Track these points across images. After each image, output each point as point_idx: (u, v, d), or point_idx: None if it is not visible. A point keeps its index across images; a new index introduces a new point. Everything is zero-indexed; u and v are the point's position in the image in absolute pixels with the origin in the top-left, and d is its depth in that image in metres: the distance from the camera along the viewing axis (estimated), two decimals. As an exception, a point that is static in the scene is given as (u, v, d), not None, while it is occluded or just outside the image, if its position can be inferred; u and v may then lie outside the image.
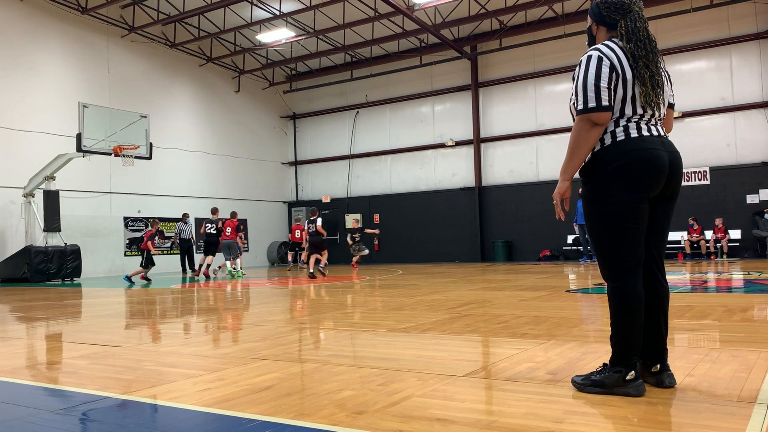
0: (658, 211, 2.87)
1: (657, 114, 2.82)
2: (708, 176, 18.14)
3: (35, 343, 5.33)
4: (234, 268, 15.83)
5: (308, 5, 19.06)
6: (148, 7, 19.54)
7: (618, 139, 2.75)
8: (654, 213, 2.86)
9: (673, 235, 18.03)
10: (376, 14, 19.19)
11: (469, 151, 22.27)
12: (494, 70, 21.90)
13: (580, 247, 18.75)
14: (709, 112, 18.37)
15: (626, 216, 2.73)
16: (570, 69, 20.18)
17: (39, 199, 16.21)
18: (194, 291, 11.48)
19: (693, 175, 18.22)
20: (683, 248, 17.87)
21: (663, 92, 2.82)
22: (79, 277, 16.33)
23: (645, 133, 2.76)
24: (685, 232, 17.91)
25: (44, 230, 16.04)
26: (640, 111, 2.77)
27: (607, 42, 2.83)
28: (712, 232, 17.68)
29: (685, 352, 3.78)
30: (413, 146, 23.44)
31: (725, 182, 18.00)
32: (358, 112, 24.87)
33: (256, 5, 19.37)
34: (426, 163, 23.24)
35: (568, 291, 8.55)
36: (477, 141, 21.92)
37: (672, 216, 2.95)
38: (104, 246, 18.91)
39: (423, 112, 23.39)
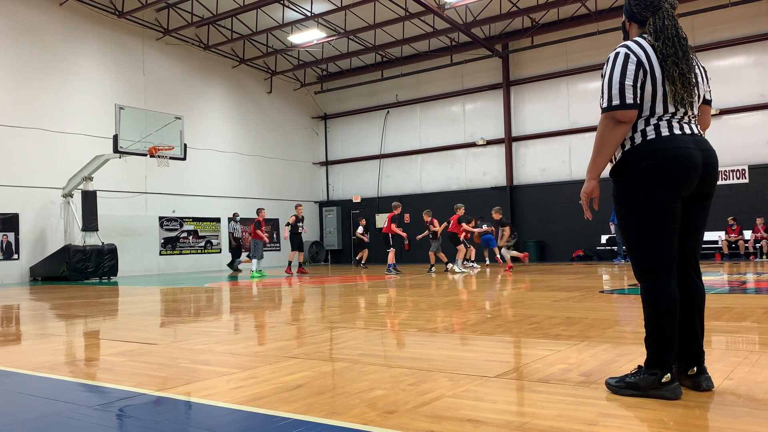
0: (693, 210, 2.80)
1: (689, 112, 2.76)
2: (747, 174, 17.70)
3: (74, 340, 5.46)
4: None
5: (339, 6, 19.14)
6: (182, 9, 19.86)
7: (648, 137, 2.70)
8: (688, 212, 2.79)
9: (710, 235, 17.63)
10: (407, 14, 19.18)
11: (500, 150, 22.11)
12: (526, 68, 21.70)
13: (615, 247, 18.47)
14: (748, 109, 17.92)
15: (658, 215, 2.68)
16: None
17: (77, 199, 16.60)
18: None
19: (731, 173, 17.80)
20: (721, 248, 17.47)
21: (696, 90, 2.75)
22: (115, 275, 16.67)
23: (677, 131, 2.71)
24: (723, 232, 17.50)
25: (82, 230, 16.41)
26: (671, 109, 2.71)
27: (636, 39, 2.79)
28: (751, 231, 17.24)
29: (724, 355, 3.70)
30: (444, 146, 23.36)
31: (765, 181, 17.53)
32: (388, 111, 24.88)
33: (288, 7, 19.52)
34: (457, 162, 23.13)
35: (602, 292, 8.43)
36: (508, 140, 21.75)
37: (707, 215, 2.88)
38: (140, 245, 19.27)
39: (454, 111, 23.30)
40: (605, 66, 2.79)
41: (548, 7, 18.87)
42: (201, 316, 7.29)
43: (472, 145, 22.72)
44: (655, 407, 2.57)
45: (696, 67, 2.79)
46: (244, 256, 19.13)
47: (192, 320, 6.70)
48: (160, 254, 20.04)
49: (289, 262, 16.49)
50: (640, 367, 2.80)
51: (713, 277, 10.74)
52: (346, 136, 26.14)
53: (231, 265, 19.29)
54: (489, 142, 22.32)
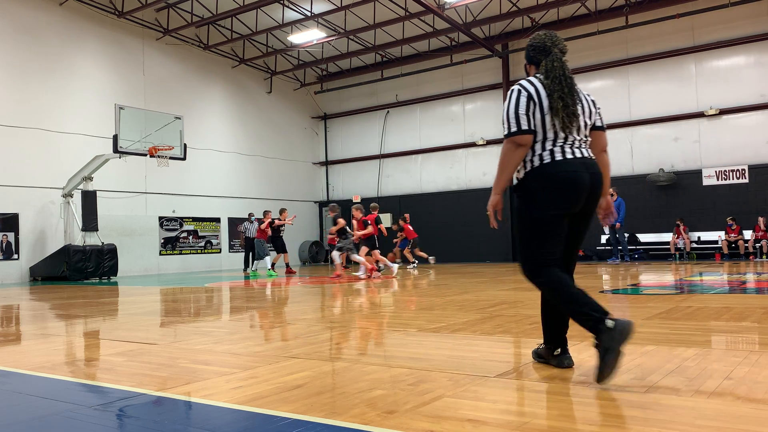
0: (575, 224, 3.24)
1: (578, 137, 3.19)
2: (746, 175, 17.70)
3: (73, 340, 5.46)
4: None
5: (339, 6, 19.15)
6: (182, 9, 19.86)
7: (544, 161, 3.15)
8: (570, 226, 3.22)
9: (710, 235, 17.65)
10: (407, 14, 19.18)
11: (500, 150, 22.07)
12: (526, 69, 21.69)
13: (610, 247, 18.48)
14: (748, 109, 17.90)
15: (547, 227, 3.14)
16: (603, 66, 19.98)
17: (77, 199, 16.61)
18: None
19: (731, 173, 17.78)
20: (720, 248, 17.46)
21: (579, 119, 3.18)
22: (115, 275, 16.67)
23: (569, 156, 3.14)
24: (723, 232, 17.50)
25: (82, 230, 16.42)
26: (561, 135, 3.16)
27: (530, 78, 3.28)
28: (752, 231, 17.23)
29: (724, 355, 3.70)
30: (444, 145, 23.37)
31: (765, 181, 17.52)
32: (388, 111, 24.89)
33: (288, 6, 19.53)
34: (456, 162, 23.14)
35: (602, 291, 8.43)
36: (508, 140, 21.72)
37: (586, 231, 3.32)
38: (140, 245, 19.28)
39: (453, 111, 23.30)
40: (504, 101, 3.26)
41: (548, 7, 18.87)
42: (201, 316, 7.29)
43: (472, 145, 22.73)
44: (655, 407, 2.57)
45: (584, 99, 3.25)
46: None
47: (192, 320, 6.70)
48: (160, 254, 20.05)
49: (273, 264, 16.85)
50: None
51: (713, 277, 10.74)
52: (346, 136, 26.14)
53: (245, 267, 19.31)
54: (489, 142, 22.32)
